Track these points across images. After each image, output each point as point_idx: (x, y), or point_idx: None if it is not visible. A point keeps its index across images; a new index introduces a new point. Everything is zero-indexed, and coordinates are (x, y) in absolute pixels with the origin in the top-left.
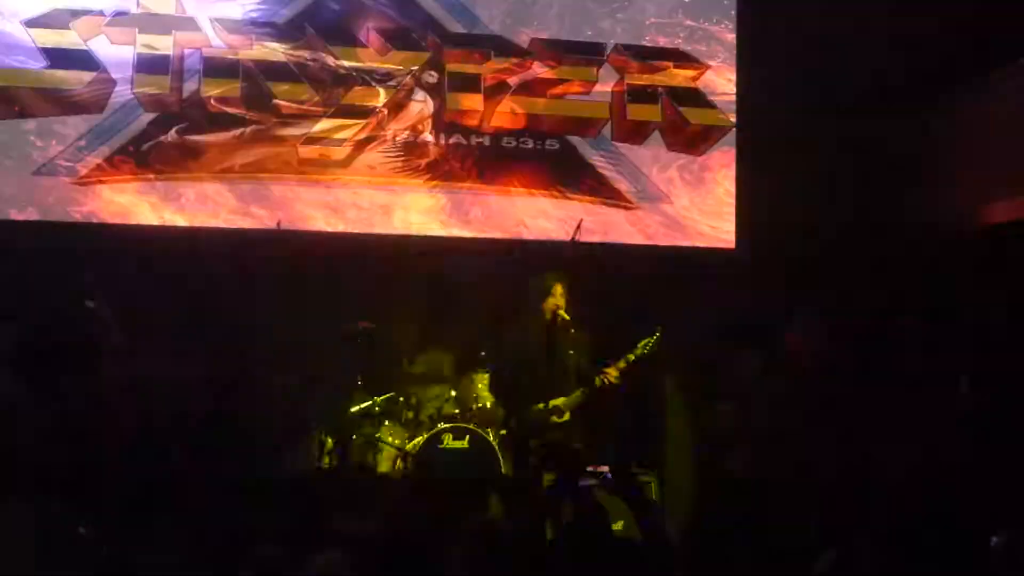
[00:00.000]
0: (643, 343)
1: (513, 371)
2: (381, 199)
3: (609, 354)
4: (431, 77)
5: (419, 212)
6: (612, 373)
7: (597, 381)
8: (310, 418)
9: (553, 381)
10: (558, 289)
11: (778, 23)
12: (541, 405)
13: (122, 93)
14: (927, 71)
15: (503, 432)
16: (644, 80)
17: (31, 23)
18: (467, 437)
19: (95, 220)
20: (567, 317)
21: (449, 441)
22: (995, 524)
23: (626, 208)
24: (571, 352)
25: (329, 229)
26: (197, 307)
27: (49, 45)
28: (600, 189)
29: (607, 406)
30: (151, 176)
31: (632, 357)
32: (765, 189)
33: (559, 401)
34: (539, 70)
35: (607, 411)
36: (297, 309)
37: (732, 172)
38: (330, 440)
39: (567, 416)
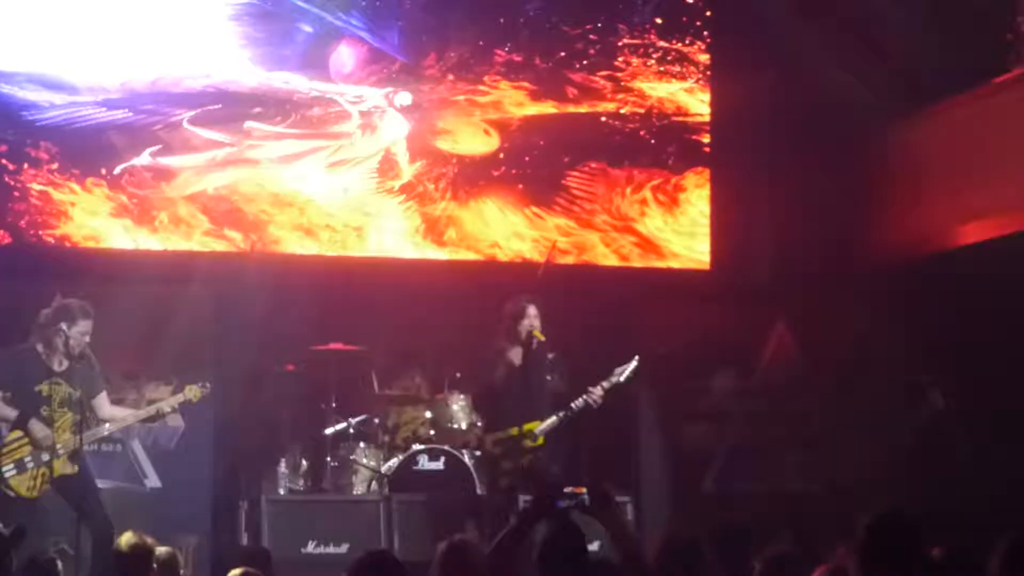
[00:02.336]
0: (620, 370)
1: (488, 394)
2: (355, 221)
3: (586, 376)
4: (404, 99)
5: (393, 234)
6: (592, 396)
7: (576, 405)
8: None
9: (528, 404)
10: (532, 311)
11: (751, 43)
12: (515, 430)
13: (95, 116)
14: (900, 92)
15: (478, 454)
16: (617, 101)
17: (3, 46)
18: (442, 458)
19: (68, 244)
20: (543, 339)
21: (424, 463)
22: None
23: (600, 229)
24: (547, 376)
25: (303, 251)
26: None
27: (21, 68)
28: (574, 210)
29: (584, 429)
30: (124, 199)
31: (609, 385)
32: (740, 209)
33: (533, 425)
34: (512, 91)
35: (583, 434)
36: (272, 332)
37: (706, 192)
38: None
39: (541, 440)
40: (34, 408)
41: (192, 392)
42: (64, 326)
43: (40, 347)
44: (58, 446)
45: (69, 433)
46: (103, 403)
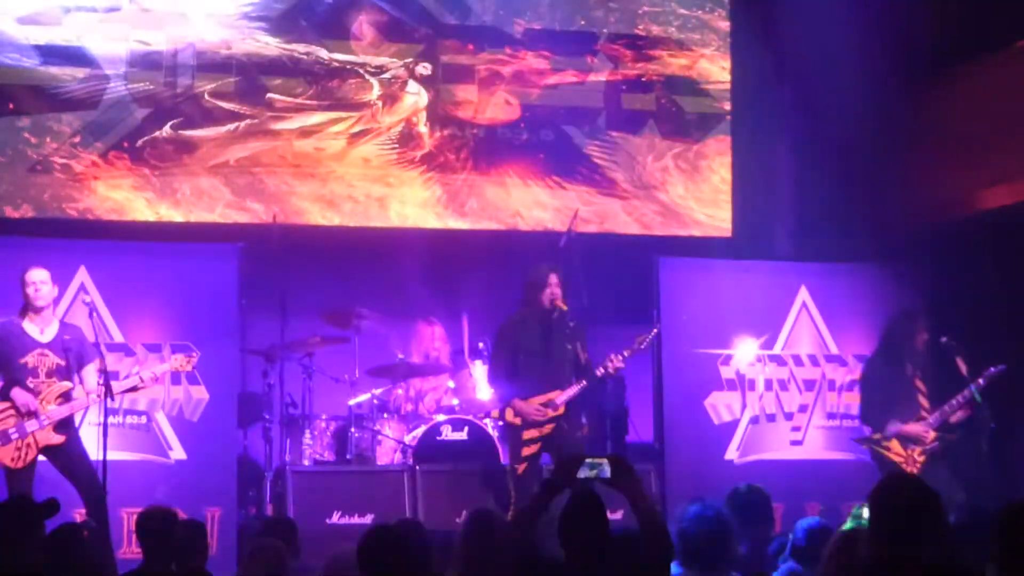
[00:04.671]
0: (640, 338)
1: (511, 363)
2: (376, 192)
3: (607, 344)
4: (425, 69)
5: (415, 204)
6: (613, 364)
7: (599, 371)
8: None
9: (550, 373)
10: (554, 280)
11: (771, 10)
12: (537, 399)
13: (116, 89)
14: (921, 57)
15: (501, 424)
16: (638, 69)
17: (24, 20)
18: (465, 428)
19: (90, 216)
20: (564, 308)
21: (448, 433)
22: None
23: (622, 197)
24: (568, 345)
25: (325, 223)
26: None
27: (42, 42)
28: (595, 179)
29: (607, 397)
30: (146, 171)
31: (629, 353)
32: (761, 177)
33: (555, 394)
34: (533, 60)
35: (607, 402)
36: (294, 302)
37: (727, 160)
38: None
39: (563, 409)
40: (21, 380)
41: (178, 361)
42: (22, 293)
43: (21, 319)
44: (43, 416)
45: (55, 403)
46: (91, 374)
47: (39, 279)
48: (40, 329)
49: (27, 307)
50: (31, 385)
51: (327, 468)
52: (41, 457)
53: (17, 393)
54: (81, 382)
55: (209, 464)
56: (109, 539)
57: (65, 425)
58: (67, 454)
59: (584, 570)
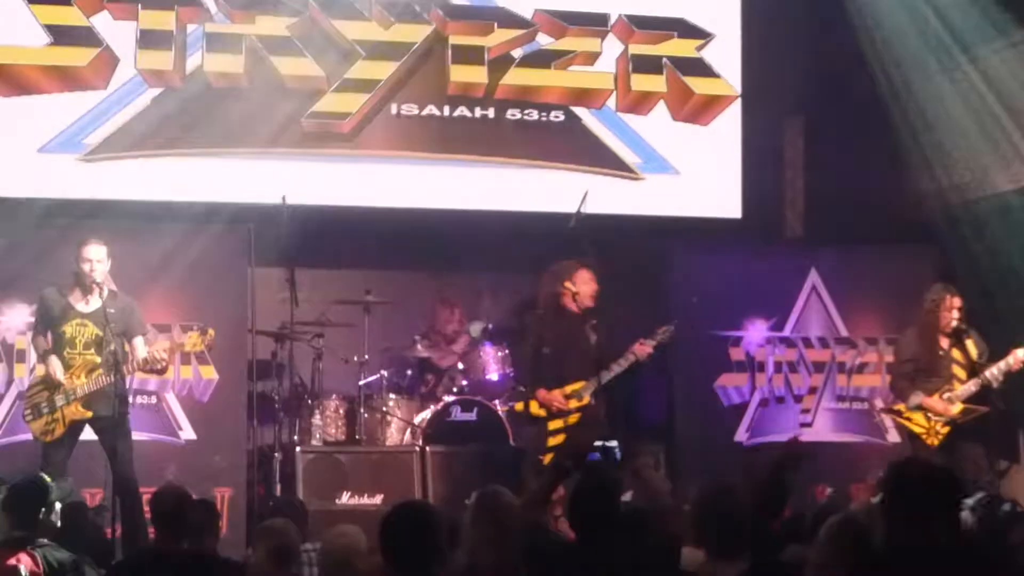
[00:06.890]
0: (663, 330)
1: (534, 354)
2: (387, 172)
3: (620, 328)
4: (435, 49)
5: (424, 185)
6: (643, 350)
7: (627, 359)
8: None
9: (576, 364)
10: (572, 272)
11: None
12: (562, 390)
13: (125, 69)
14: (931, 39)
15: (511, 404)
16: (648, 50)
17: (33, 0)
18: (475, 410)
19: (100, 197)
20: (590, 304)
21: (457, 414)
22: None
23: (632, 179)
24: (592, 336)
25: (335, 203)
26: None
27: (52, 22)
28: (605, 160)
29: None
30: (156, 152)
31: (655, 343)
32: (772, 159)
33: (578, 385)
34: (543, 41)
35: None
36: (304, 283)
37: (738, 142)
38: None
39: (587, 400)
40: (59, 351)
41: (191, 340)
42: (75, 264)
43: (65, 290)
44: (69, 391)
45: (85, 377)
46: (140, 347)
47: (96, 257)
48: (85, 300)
49: (77, 281)
50: (66, 356)
51: (336, 448)
52: (89, 436)
53: (51, 361)
54: (134, 355)
55: (219, 444)
56: (141, 526)
57: (96, 400)
58: (110, 431)
59: (594, 550)
